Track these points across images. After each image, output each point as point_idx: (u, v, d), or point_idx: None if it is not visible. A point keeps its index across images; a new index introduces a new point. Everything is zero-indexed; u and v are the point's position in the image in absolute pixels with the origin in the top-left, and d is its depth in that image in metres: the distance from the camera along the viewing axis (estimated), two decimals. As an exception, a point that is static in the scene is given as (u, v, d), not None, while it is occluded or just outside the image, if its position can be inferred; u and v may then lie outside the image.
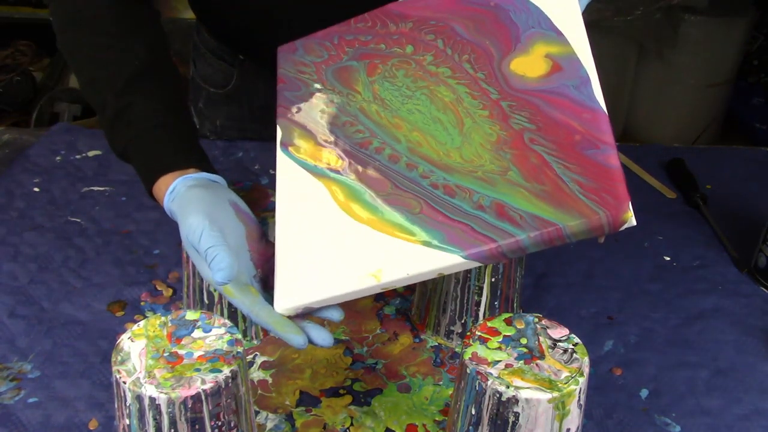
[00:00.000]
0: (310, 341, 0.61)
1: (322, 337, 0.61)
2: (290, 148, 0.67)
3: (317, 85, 0.69)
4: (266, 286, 0.65)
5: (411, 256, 0.58)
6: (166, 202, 0.67)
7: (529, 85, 0.62)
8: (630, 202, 0.54)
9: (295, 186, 0.65)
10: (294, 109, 0.69)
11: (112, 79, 0.71)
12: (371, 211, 0.61)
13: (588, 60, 0.61)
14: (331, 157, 0.65)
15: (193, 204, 0.63)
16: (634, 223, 0.55)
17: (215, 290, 0.74)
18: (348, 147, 0.65)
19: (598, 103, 0.59)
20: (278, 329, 0.61)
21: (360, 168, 0.63)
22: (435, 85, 0.65)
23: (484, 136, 0.61)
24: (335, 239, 0.61)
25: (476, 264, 0.57)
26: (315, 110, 0.68)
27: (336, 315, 0.63)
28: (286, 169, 0.66)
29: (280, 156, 0.67)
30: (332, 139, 0.66)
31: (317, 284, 0.60)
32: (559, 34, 0.62)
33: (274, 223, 0.76)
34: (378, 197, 0.61)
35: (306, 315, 0.62)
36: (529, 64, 0.62)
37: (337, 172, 0.64)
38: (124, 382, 0.54)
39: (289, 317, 0.61)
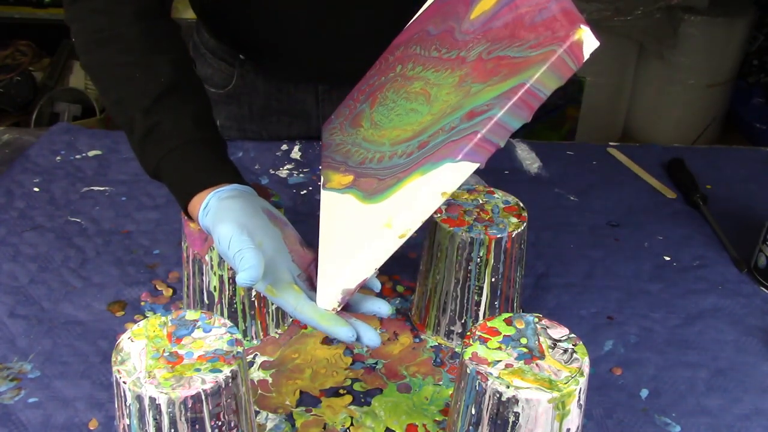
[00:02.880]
0: (359, 339, 0.61)
1: (370, 336, 0.61)
2: (327, 185, 0.71)
3: (339, 136, 0.76)
4: (312, 287, 0.65)
5: (411, 194, 0.58)
6: (201, 220, 0.67)
7: (486, 16, 0.63)
8: (581, 23, 0.51)
9: (332, 206, 0.68)
10: (329, 160, 0.74)
11: (140, 98, 0.70)
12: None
13: None
14: (345, 177, 0.69)
15: (222, 214, 0.64)
16: (596, 42, 0.51)
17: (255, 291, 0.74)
18: (355, 168, 0.68)
19: None
20: (324, 324, 0.60)
21: (359, 179, 0.66)
22: (410, 85, 0.68)
23: (448, 86, 0.62)
24: (357, 226, 0.62)
25: (472, 165, 0.55)
26: (338, 154, 0.73)
27: (384, 309, 0.63)
28: (326, 200, 0.70)
29: (323, 193, 0.71)
30: (346, 167, 0.70)
31: (346, 266, 0.61)
32: None
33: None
34: (366, 196, 0.64)
35: (353, 312, 0.63)
36: (486, 2, 0.64)
37: (350, 187, 0.67)
38: (124, 382, 0.54)
39: (337, 313, 0.62)
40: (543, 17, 0.55)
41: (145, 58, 0.72)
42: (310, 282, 0.65)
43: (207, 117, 0.74)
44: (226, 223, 0.62)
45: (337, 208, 0.67)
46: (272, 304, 0.77)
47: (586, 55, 0.52)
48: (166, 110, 0.70)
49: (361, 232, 0.61)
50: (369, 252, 0.59)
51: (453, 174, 0.56)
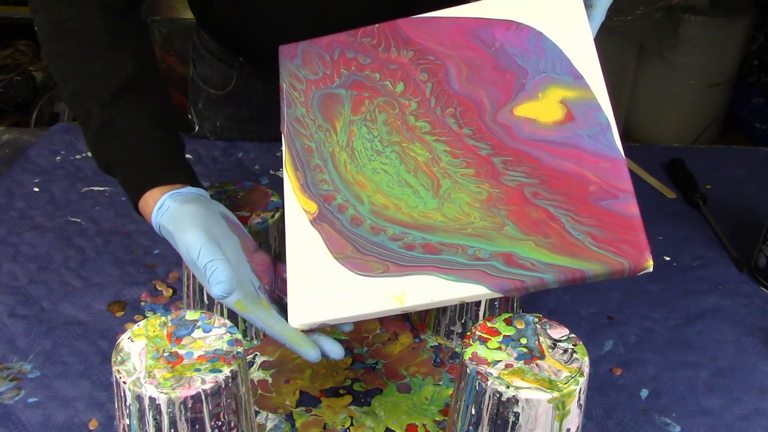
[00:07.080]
0: (323, 354, 0.62)
1: (335, 350, 0.63)
2: (288, 171, 0.68)
3: (302, 110, 0.69)
4: (271, 298, 0.65)
5: (435, 285, 0.59)
6: (154, 218, 0.66)
7: (538, 134, 0.60)
8: (649, 252, 0.55)
9: (297, 225, 0.65)
10: (287, 129, 0.69)
11: (99, 91, 0.69)
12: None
13: (606, 103, 0.60)
14: (308, 203, 0.65)
15: (187, 220, 0.63)
16: (651, 269, 0.56)
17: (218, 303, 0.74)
18: (318, 199, 0.65)
19: (617, 150, 0.58)
20: (293, 343, 0.62)
21: (322, 223, 0.64)
22: (409, 141, 0.64)
23: (471, 195, 0.61)
24: (340, 281, 0.62)
25: (499, 295, 0.58)
26: (298, 139, 0.68)
27: (347, 327, 0.65)
28: (289, 188, 0.67)
29: (285, 174, 0.68)
30: (305, 181, 0.66)
31: (336, 302, 0.61)
32: (577, 77, 0.61)
33: (274, 224, 0.76)
34: (333, 257, 0.62)
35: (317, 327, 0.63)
36: (540, 109, 0.61)
37: (315, 227, 0.64)
38: (124, 382, 0.54)
39: (302, 330, 0.62)
40: (610, 208, 0.57)
41: (107, 52, 0.71)
42: (270, 293, 0.65)
43: (167, 116, 0.72)
44: (193, 231, 0.61)
45: (305, 238, 0.64)
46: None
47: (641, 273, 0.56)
48: (125, 105, 0.69)
49: (351, 287, 0.61)
50: (365, 307, 0.60)
51: (484, 294, 0.58)
